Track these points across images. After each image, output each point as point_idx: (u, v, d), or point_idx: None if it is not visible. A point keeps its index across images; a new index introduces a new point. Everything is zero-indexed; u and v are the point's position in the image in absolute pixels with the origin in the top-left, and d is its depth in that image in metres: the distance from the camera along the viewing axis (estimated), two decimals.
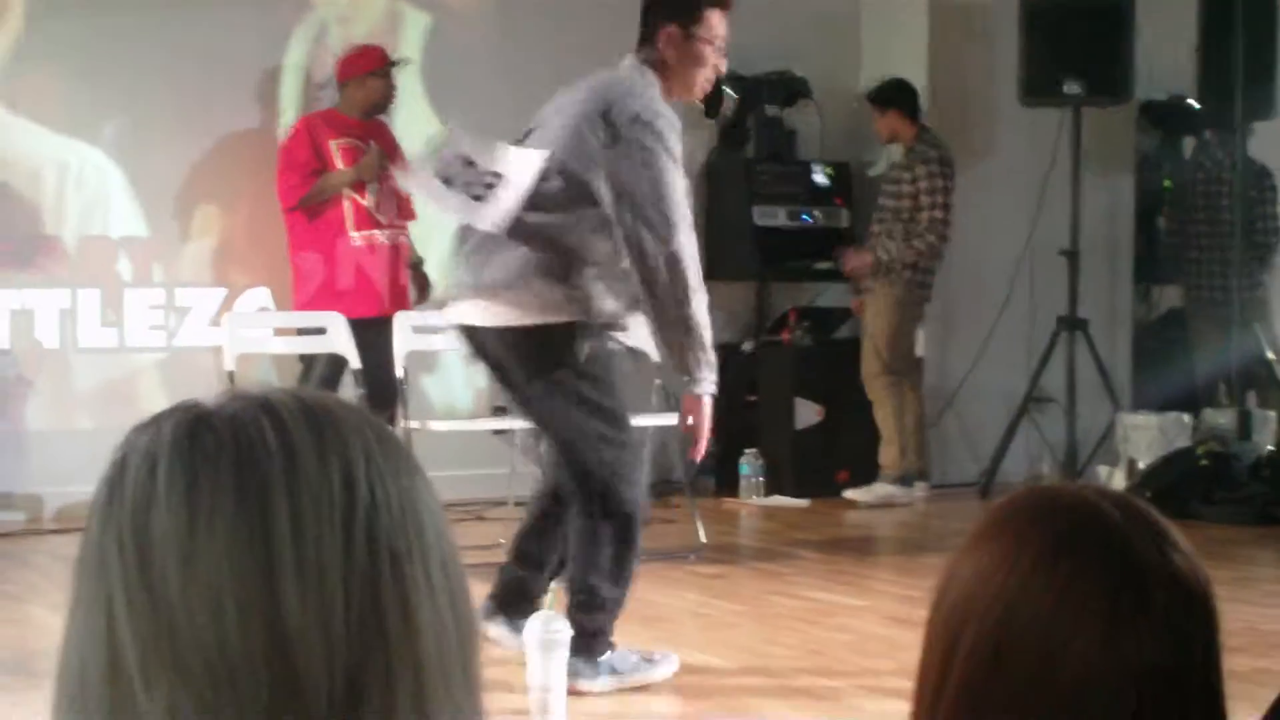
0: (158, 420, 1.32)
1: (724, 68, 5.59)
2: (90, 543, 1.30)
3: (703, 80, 5.51)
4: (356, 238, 8.53)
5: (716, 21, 5.46)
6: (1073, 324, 9.82)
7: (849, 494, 9.54)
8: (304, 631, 1.25)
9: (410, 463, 1.34)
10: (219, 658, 1.24)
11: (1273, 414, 9.82)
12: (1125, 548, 1.53)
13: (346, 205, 8.55)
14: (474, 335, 5.50)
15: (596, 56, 5.79)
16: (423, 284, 8.93)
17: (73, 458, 8.35)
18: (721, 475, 9.83)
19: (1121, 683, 1.49)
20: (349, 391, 7.67)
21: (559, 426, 5.50)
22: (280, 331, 8.66)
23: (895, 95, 9.67)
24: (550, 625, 5.12)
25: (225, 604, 1.24)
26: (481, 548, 7.62)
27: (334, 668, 1.25)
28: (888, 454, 9.57)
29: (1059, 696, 1.50)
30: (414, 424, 7.62)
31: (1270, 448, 9.42)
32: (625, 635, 6.10)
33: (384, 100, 8.81)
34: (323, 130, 8.67)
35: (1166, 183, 11.02)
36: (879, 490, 9.53)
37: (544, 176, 5.30)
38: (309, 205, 8.57)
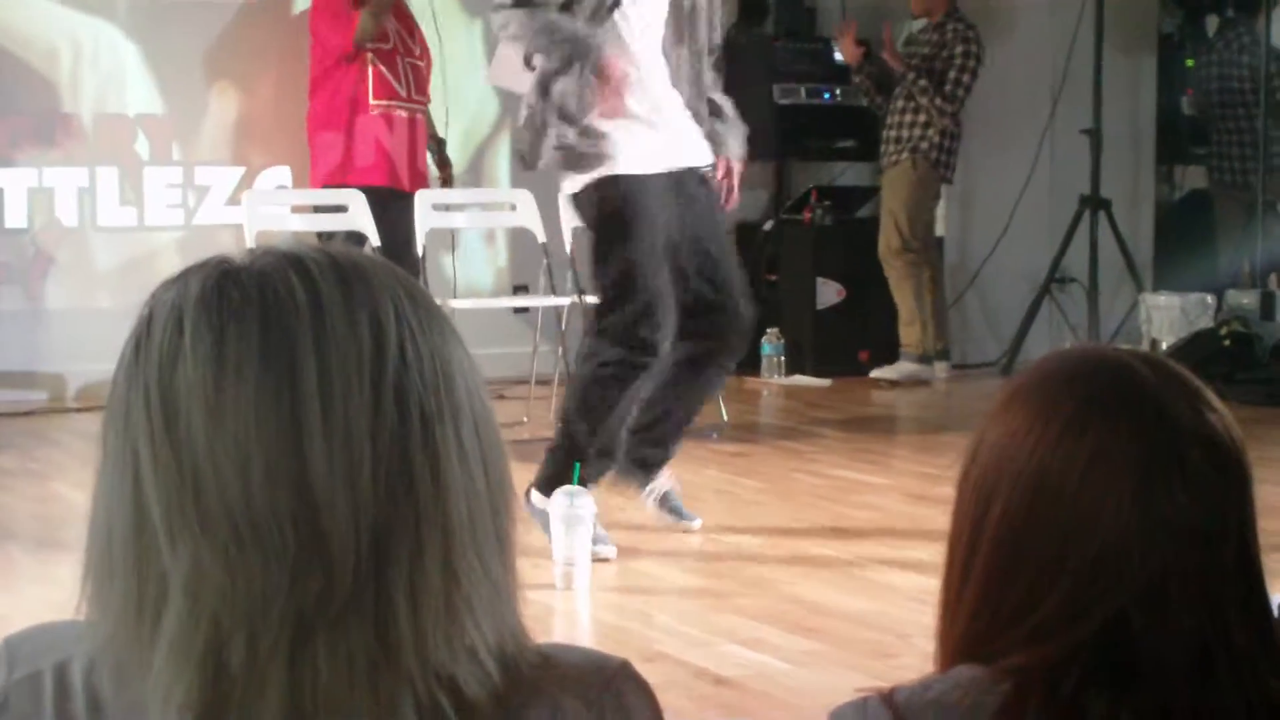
0: (185, 275, 1.30)
1: None
2: (116, 398, 1.29)
3: None
4: (375, 108, 8.45)
5: None
6: (1095, 203, 9.77)
7: (875, 373, 9.52)
8: (330, 489, 1.24)
9: (443, 322, 1.32)
10: (244, 514, 1.23)
11: None
12: (1158, 406, 1.52)
13: (370, 72, 8.47)
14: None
15: None
16: (443, 163, 8.89)
17: (93, 336, 8.34)
18: (743, 355, 9.79)
19: (1154, 542, 1.48)
20: None
21: None
22: (299, 209, 8.63)
23: None
24: (575, 500, 5.12)
25: (251, 460, 1.23)
26: (505, 425, 7.63)
27: (360, 527, 1.24)
28: (909, 333, 9.54)
29: (1091, 556, 1.49)
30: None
31: None
32: (647, 510, 6.12)
33: None
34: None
35: (1189, 62, 10.92)
36: (902, 368, 9.51)
37: None
38: (365, 42, 8.50)
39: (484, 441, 1.32)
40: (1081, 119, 9.81)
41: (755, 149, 10.03)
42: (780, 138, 10.00)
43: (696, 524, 5.83)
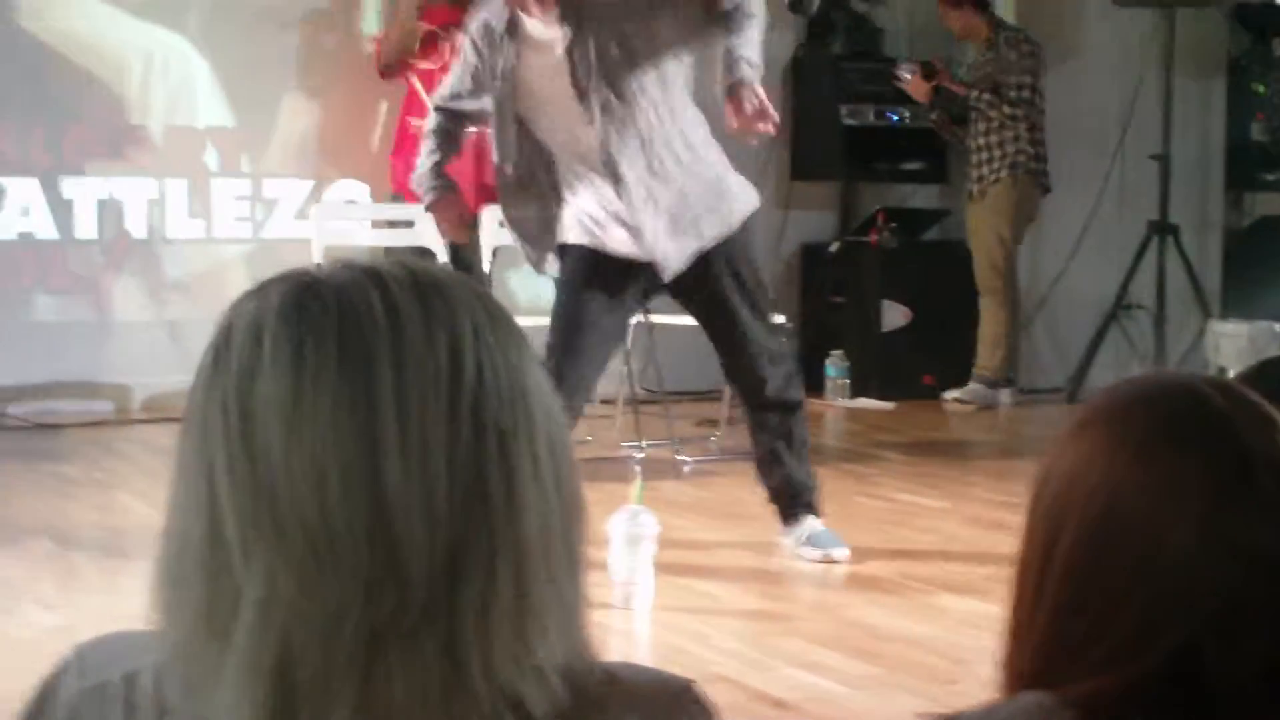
0: (266, 287, 1.31)
1: None
2: (194, 408, 1.29)
3: None
4: (413, 125, 8.47)
5: None
6: (1163, 229, 9.72)
7: (949, 395, 9.49)
8: (406, 505, 1.24)
9: (520, 339, 1.32)
10: (319, 528, 1.23)
11: None
12: (1229, 432, 1.51)
13: (411, 90, 8.53)
14: None
15: None
16: None
17: (160, 348, 8.42)
18: (807, 377, 9.75)
19: (1226, 568, 1.47)
20: None
21: None
22: (370, 224, 8.66)
23: None
24: (637, 519, 5.12)
25: (327, 473, 1.23)
26: None
27: (435, 543, 1.24)
28: (992, 356, 9.50)
29: (1163, 583, 1.48)
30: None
31: None
32: (712, 533, 6.13)
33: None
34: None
35: (1260, 87, 10.85)
36: (975, 391, 9.47)
37: None
38: (390, 69, 8.57)
39: (557, 459, 1.32)
40: (1150, 144, 9.77)
41: (822, 169, 10.12)
42: (847, 159, 9.99)
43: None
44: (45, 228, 8.77)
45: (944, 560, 5.80)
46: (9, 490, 6.86)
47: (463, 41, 5.85)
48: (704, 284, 5.70)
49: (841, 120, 9.94)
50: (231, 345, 1.28)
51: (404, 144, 8.51)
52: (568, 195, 5.70)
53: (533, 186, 5.72)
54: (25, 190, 8.72)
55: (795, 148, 10.14)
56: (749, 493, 6.42)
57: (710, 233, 5.65)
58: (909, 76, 9.55)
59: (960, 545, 6.01)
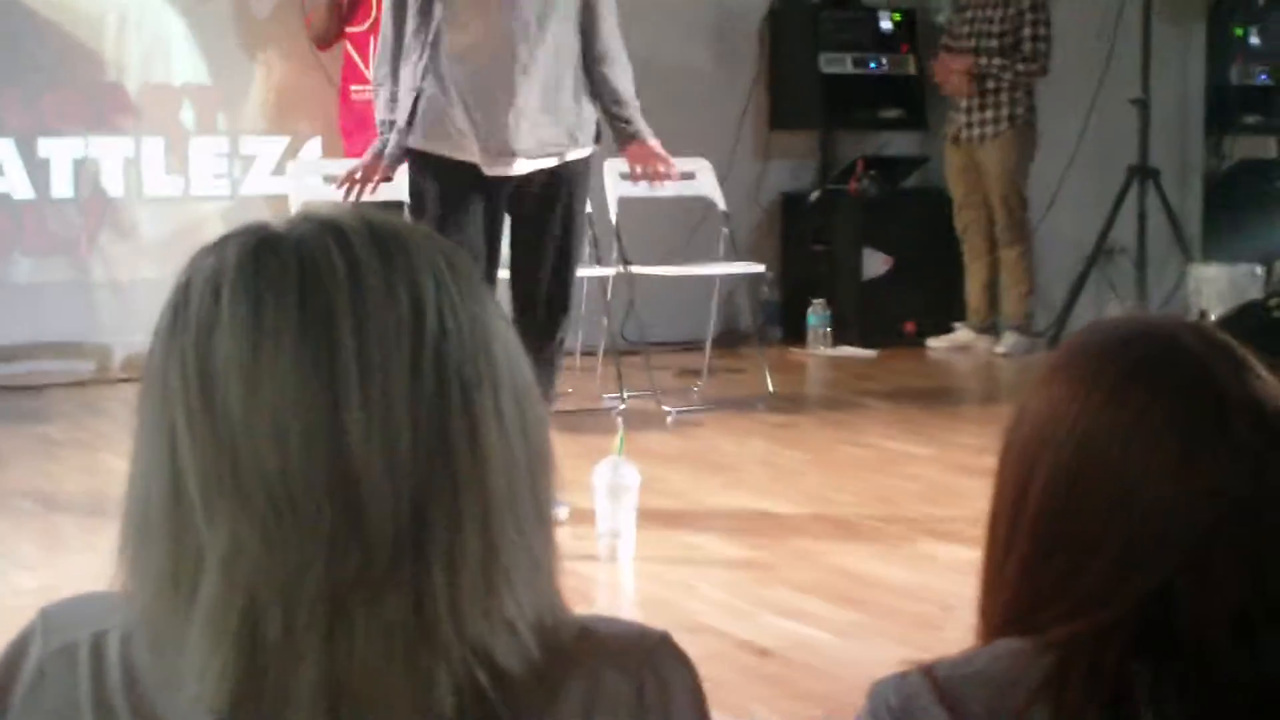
0: (223, 242, 1.30)
1: None
2: (153, 368, 1.28)
3: None
4: (355, 94, 8.45)
5: None
6: (1144, 173, 9.70)
7: (1000, 349, 9.47)
8: (368, 460, 1.23)
9: (483, 291, 1.31)
10: (281, 486, 1.22)
11: None
12: (1202, 373, 1.50)
13: (344, 55, 8.52)
14: None
15: None
16: None
17: (140, 306, 8.38)
18: (788, 325, 9.81)
19: (1198, 510, 1.47)
20: None
21: None
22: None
23: None
24: (619, 470, 5.11)
25: (288, 430, 1.22)
26: None
27: (398, 498, 1.23)
28: (1026, 304, 9.52)
29: (1135, 525, 1.48)
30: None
31: None
32: (694, 481, 6.12)
33: None
34: None
35: (1238, 31, 10.83)
36: (1016, 341, 9.47)
37: None
38: (321, 39, 8.54)
39: (524, 411, 1.30)
40: (1130, 89, 9.75)
41: (801, 118, 10.10)
42: (826, 107, 9.96)
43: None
44: (22, 188, 8.72)
45: (928, 506, 5.81)
46: None
47: None
48: (540, 203, 5.72)
49: (820, 69, 9.91)
50: (190, 302, 1.27)
51: (349, 115, 8.48)
52: (432, 89, 5.61)
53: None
54: (1, 151, 8.67)
55: (774, 97, 10.11)
56: (732, 443, 6.44)
57: (569, 154, 5.72)
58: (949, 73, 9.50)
59: (945, 492, 6.01)
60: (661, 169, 5.87)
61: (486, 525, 1.26)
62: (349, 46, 8.50)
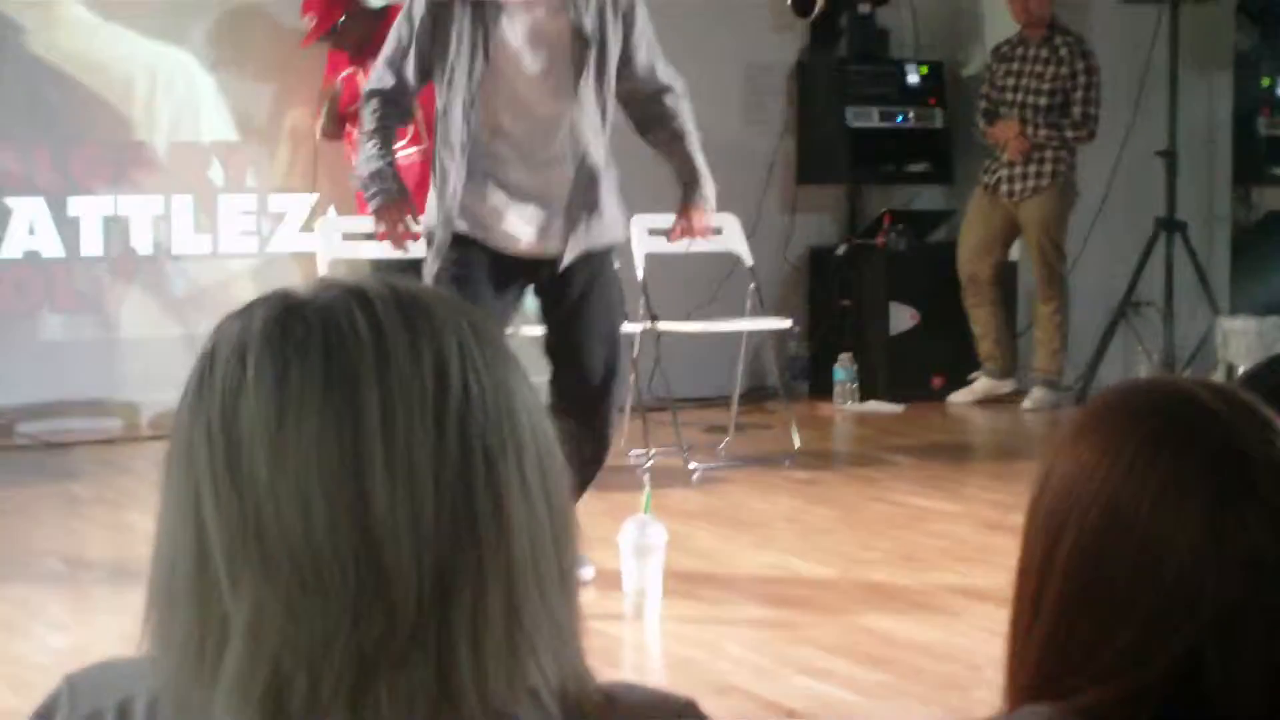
0: (250, 308, 1.30)
1: None
2: (180, 433, 1.28)
3: None
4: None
5: None
6: (1171, 226, 9.69)
7: (1026, 404, 9.46)
8: (393, 528, 1.23)
9: (506, 356, 1.31)
10: (305, 554, 1.22)
11: None
12: (1228, 437, 1.50)
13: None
14: None
15: None
16: None
17: (167, 364, 8.34)
18: (816, 380, 9.79)
19: (1227, 574, 1.46)
20: None
21: None
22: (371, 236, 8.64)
23: None
24: (646, 530, 5.10)
25: (313, 498, 1.22)
26: None
27: (423, 566, 1.23)
28: (1059, 359, 9.51)
29: (1163, 590, 1.47)
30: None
31: None
32: (721, 540, 6.11)
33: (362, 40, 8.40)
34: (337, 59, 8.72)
35: (1265, 82, 10.83)
36: (1043, 396, 9.45)
37: None
38: (326, 134, 8.64)
39: (547, 477, 1.30)
40: (1157, 140, 9.74)
41: (828, 172, 10.10)
42: (853, 161, 9.97)
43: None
44: (52, 246, 8.76)
45: (956, 564, 5.79)
46: (19, 511, 6.86)
47: (404, 12, 5.60)
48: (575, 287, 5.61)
49: (847, 123, 9.93)
50: (216, 368, 1.27)
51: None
52: (469, 181, 5.51)
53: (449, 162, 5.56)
54: (31, 209, 8.71)
55: (801, 151, 10.12)
56: (759, 500, 6.42)
57: (599, 240, 5.61)
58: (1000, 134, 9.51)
59: (972, 550, 5.99)
60: (698, 227, 5.80)
61: (511, 591, 1.26)
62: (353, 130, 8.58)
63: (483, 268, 5.51)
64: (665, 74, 5.72)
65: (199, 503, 1.25)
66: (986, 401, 9.52)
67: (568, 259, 5.50)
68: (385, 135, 5.63)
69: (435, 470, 1.24)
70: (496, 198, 5.50)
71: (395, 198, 5.59)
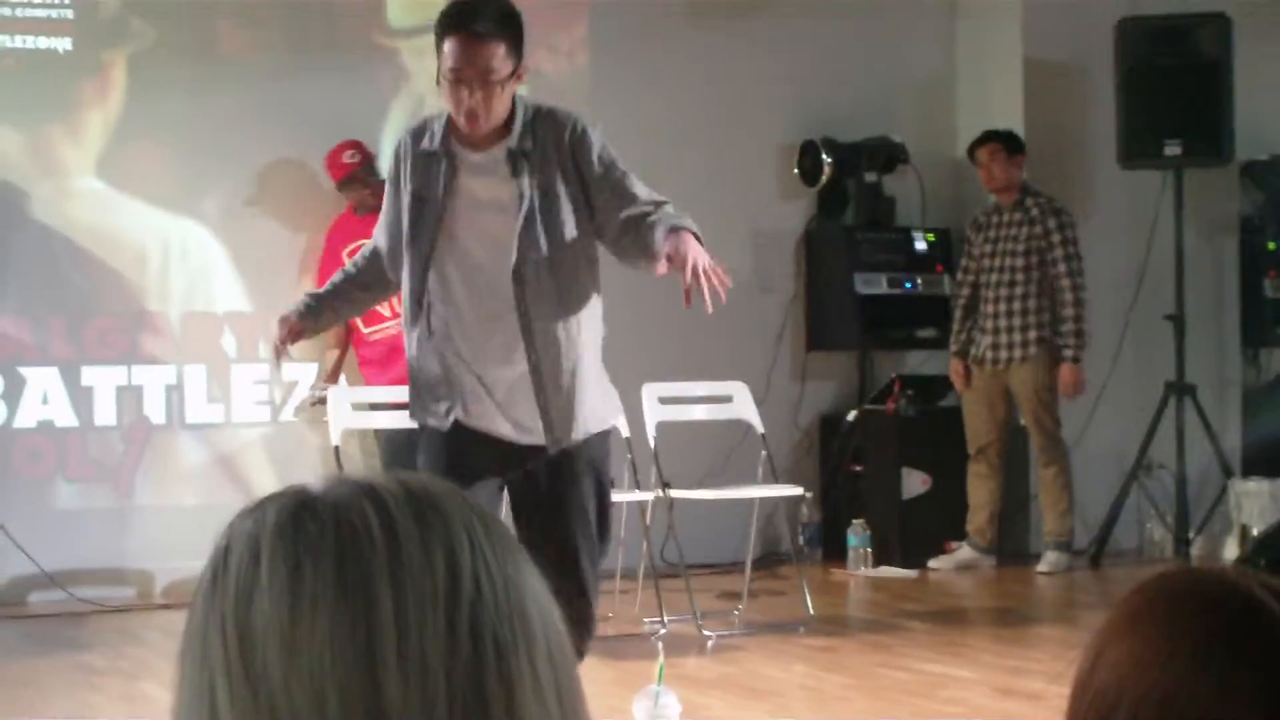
0: (262, 505, 1.31)
1: (473, 99, 4.94)
2: (194, 629, 1.30)
3: (458, 112, 5.01)
4: (370, 334, 8.67)
5: (449, 51, 4.95)
6: (1181, 389, 9.72)
7: (1041, 567, 9.43)
8: None
9: (517, 551, 1.32)
10: None
11: None
12: None
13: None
14: None
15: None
16: None
17: (181, 533, 8.40)
18: (829, 545, 9.78)
19: None
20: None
21: None
22: (380, 406, 8.67)
23: (1020, 142, 9.64)
24: (660, 700, 5.08)
25: (327, 695, 1.23)
26: None
27: None
28: (1068, 521, 9.49)
29: None
30: None
31: None
32: (736, 710, 6.08)
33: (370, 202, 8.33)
34: (340, 233, 8.80)
35: (1271, 245, 10.88)
36: (1057, 559, 9.43)
37: None
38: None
39: (558, 671, 1.31)
40: (1164, 304, 9.79)
41: (838, 339, 10.15)
42: (862, 327, 10.03)
43: None
44: (65, 416, 8.81)
45: None
46: (33, 680, 6.84)
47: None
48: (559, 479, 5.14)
49: (856, 289, 9.99)
50: (229, 565, 1.28)
51: (370, 349, 8.75)
52: (434, 359, 5.13)
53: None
54: (45, 379, 8.77)
55: (810, 319, 10.18)
56: (774, 667, 6.39)
57: (578, 431, 5.13)
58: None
59: (987, 717, 5.95)
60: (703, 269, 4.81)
61: None
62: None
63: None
64: (646, 195, 5.10)
65: (214, 696, 1.26)
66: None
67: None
68: (342, 274, 5.48)
69: (447, 665, 1.25)
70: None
71: (291, 312, 5.36)
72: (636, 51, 9.77)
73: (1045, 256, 9.45)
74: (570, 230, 5.08)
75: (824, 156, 10.05)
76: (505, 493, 5.21)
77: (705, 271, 4.77)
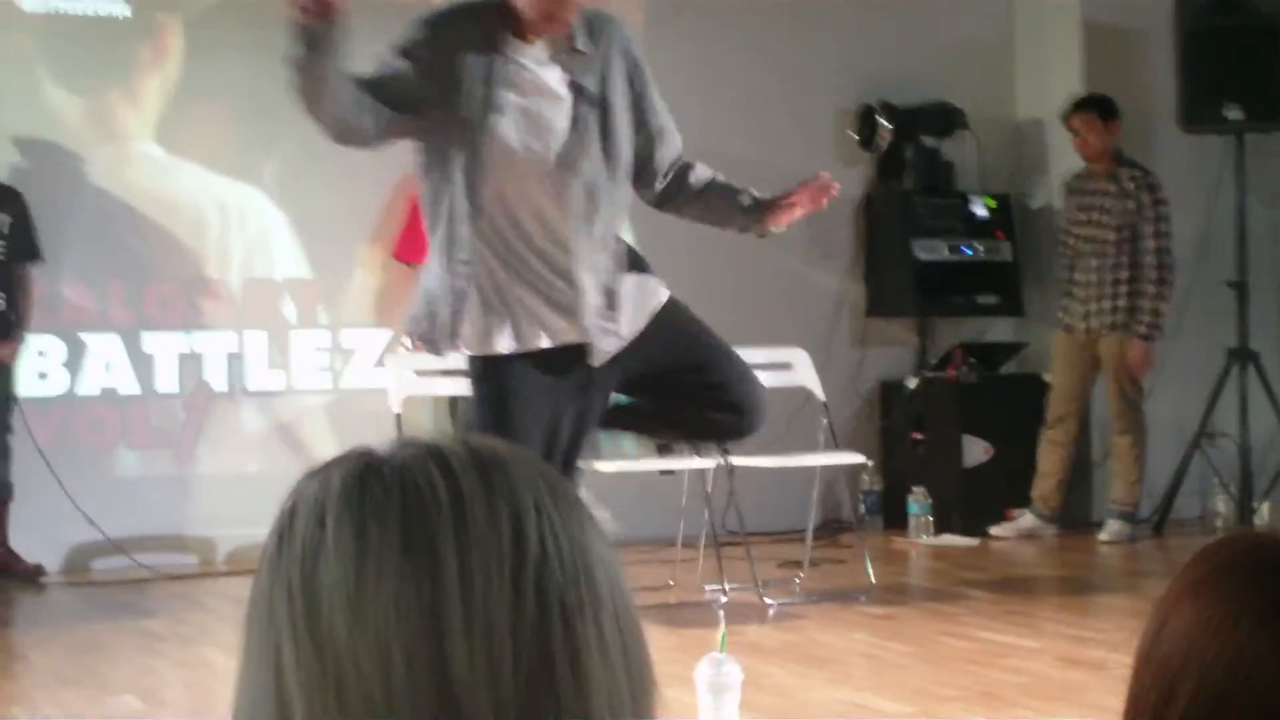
0: (328, 468, 1.31)
1: None
2: (259, 592, 1.29)
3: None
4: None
5: None
6: (1244, 356, 9.65)
7: (1103, 536, 9.40)
8: (471, 686, 1.23)
9: (583, 513, 1.31)
10: (385, 711, 1.22)
11: None
12: None
13: None
14: None
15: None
16: None
17: (242, 500, 8.44)
18: (889, 513, 9.76)
19: None
20: None
21: None
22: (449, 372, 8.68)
23: (1115, 107, 9.56)
24: (722, 668, 5.07)
25: (392, 656, 1.23)
26: (651, 589, 7.64)
27: None
28: (1136, 490, 9.46)
29: None
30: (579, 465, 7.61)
31: None
32: (797, 677, 6.07)
33: None
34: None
35: None
36: (1120, 528, 9.40)
37: None
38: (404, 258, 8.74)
39: (625, 634, 1.30)
40: (1226, 269, 9.72)
41: (897, 306, 10.12)
42: (922, 294, 9.99)
43: None
44: (127, 383, 8.85)
45: (1034, 701, 5.72)
46: (95, 646, 6.88)
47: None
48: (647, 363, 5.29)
49: (915, 255, 9.95)
50: (295, 528, 1.28)
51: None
52: (480, 281, 5.13)
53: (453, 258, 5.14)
54: (106, 346, 8.81)
55: (870, 285, 10.15)
56: (835, 636, 6.38)
57: (629, 329, 5.24)
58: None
59: (1049, 686, 5.92)
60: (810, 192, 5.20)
61: None
62: None
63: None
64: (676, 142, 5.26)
65: (279, 658, 1.26)
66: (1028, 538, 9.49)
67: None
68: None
69: (513, 628, 1.24)
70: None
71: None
72: (694, 15, 9.73)
73: (1137, 230, 9.37)
74: (626, 138, 5.12)
75: (882, 121, 10.00)
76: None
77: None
